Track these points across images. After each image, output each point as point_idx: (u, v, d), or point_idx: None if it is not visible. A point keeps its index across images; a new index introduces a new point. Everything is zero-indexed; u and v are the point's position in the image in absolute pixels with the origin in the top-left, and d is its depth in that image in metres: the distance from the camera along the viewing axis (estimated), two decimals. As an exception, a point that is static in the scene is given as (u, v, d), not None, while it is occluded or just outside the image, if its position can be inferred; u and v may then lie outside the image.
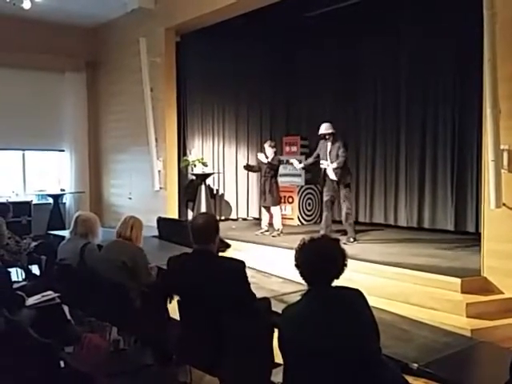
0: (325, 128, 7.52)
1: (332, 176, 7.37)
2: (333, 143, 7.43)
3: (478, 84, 5.87)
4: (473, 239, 7.14)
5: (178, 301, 3.33)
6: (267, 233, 8.37)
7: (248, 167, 9.09)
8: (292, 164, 8.29)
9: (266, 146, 8.39)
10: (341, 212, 7.60)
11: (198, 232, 3.29)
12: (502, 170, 5.15)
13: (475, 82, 6.45)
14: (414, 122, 8.75)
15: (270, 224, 8.41)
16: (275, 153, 8.37)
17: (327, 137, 7.47)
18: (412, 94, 8.77)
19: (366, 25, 8.88)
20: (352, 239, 7.44)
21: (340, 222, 7.72)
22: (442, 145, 8.44)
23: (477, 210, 7.66)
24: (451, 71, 8.23)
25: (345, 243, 7.10)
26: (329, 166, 7.36)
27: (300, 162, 8.11)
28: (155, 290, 3.54)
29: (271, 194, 8.21)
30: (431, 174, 8.56)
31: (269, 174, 8.22)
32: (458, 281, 5.23)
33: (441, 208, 8.44)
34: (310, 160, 7.94)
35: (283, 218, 9.25)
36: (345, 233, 7.56)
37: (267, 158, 8.21)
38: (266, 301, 3.48)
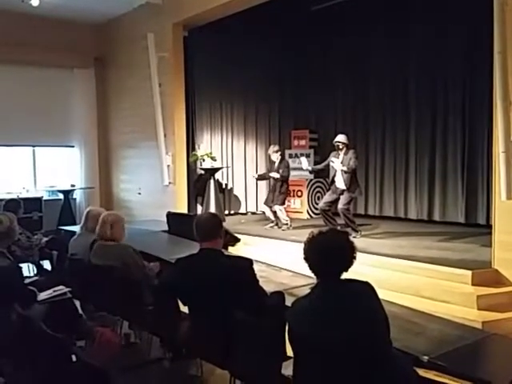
0: (340, 138, 7.49)
1: (340, 185, 7.36)
2: (345, 154, 7.39)
3: (488, 76, 5.82)
4: (484, 231, 7.09)
5: (188, 298, 3.34)
6: (276, 226, 8.38)
7: (260, 178, 9.08)
8: (302, 164, 8.15)
9: (271, 152, 8.43)
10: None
11: (202, 229, 3.32)
12: (513, 162, 5.12)
13: (485, 74, 6.40)
14: (424, 114, 8.71)
15: (276, 216, 8.41)
16: (282, 156, 8.40)
17: (341, 146, 7.42)
18: (422, 86, 8.71)
19: (374, 17, 8.83)
20: (357, 235, 7.32)
21: (360, 216, 7.52)
22: (452, 137, 8.39)
23: (487, 201, 7.62)
24: (461, 64, 8.17)
25: (354, 236, 7.10)
26: (338, 166, 7.32)
27: (309, 163, 8.09)
28: (164, 286, 3.56)
29: (280, 194, 8.24)
30: (441, 166, 8.51)
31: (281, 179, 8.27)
32: (469, 273, 5.21)
33: (451, 200, 8.39)
34: (320, 166, 7.97)
35: (293, 211, 9.27)
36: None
37: (278, 171, 8.22)
38: (279, 295, 3.48)
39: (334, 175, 7.47)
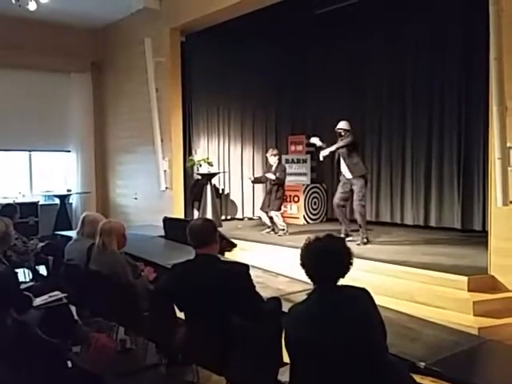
0: (341, 124, 7.36)
1: (347, 175, 7.30)
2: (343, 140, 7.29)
3: (484, 82, 5.84)
4: (480, 237, 7.09)
5: (184, 304, 3.33)
6: (273, 232, 8.38)
7: (256, 181, 9.09)
8: (314, 142, 7.90)
9: (269, 155, 8.46)
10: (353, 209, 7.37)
11: (197, 236, 3.30)
12: (509, 168, 5.12)
13: (482, 79, 6.43)
14: (420, 120, 8.73)
15: (272, 221, 8.41)
16: (279, 160, 8.42)
17: (342, 133, 7.29)
18: (418, 92, 8.74)
19: (372, 23, 8.86)
20: (364, 239, 7.28)
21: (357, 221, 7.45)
22: (448, 143, 8.41)
23: (484, 207, 7.63)
24: (457, 70, 8.19)
25: (358, 244, 7.10)
26: (339, 144, 7.21)
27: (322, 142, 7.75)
28: (161, 292, 3.55)
29: (276, 199, 8.23)
30: (438, 172, 8.53)
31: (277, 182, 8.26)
32: (465, 279, 5.22)
33: (447, 206, 8.41)
34: (331, 148, 7.44)
35: (289, 217, 9.26)
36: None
37: (274, 174, 8.20)
38: (276, 301, 3.47)
39: (340, 165, 7.36)
